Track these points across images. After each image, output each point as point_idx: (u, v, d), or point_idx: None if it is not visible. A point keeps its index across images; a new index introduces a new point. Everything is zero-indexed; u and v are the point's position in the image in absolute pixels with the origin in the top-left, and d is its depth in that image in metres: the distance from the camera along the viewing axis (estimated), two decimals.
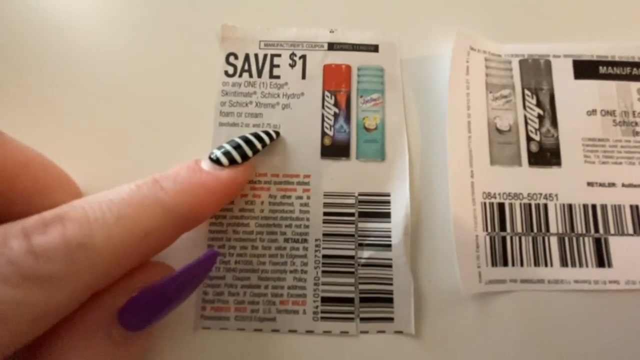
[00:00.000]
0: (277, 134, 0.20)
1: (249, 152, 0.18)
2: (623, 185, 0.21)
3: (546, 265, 0.19)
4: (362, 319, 0.19)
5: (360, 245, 0.19)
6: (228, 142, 0.18)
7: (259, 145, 0.19)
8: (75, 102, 0.21)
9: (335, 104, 0.21)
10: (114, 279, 0.14)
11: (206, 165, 0.17)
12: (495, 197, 0.20)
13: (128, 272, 0.15)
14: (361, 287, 0.19)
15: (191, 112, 0.21)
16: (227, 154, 0.17)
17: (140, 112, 0.21)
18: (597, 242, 0.20)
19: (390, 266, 0.19)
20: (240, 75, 0.21)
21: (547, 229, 0.20)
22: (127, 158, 0.20)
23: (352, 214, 0.20)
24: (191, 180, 0.16)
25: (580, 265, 0.20)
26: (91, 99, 0.21)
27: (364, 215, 0.20)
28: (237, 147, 0.18)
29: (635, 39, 0.23)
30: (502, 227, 0.20)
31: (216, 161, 0.17)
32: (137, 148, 0.21)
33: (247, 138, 0.18)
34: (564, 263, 0.20)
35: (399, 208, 0.20)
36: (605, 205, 0.20)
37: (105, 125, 0.21)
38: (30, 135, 0.20)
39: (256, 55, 0.22)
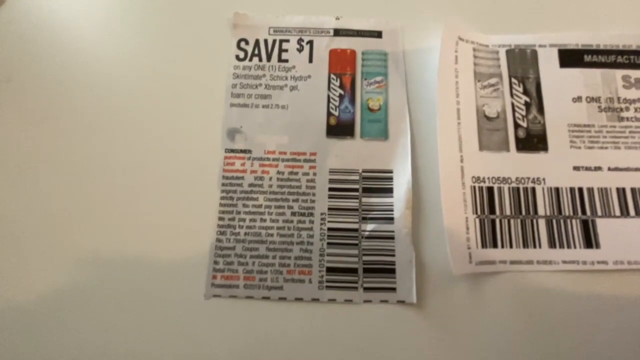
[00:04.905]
0: None
1: None
2: (609, 169, 0.21)
3: (535, 246, 0.20)
4: (366, 289, 0.19)
5: (364, 218, 0.20)
6: None
7: None
8: (93, 81, 0.23)
9: (341, 86, 0.22)
10: None
11: None
12: (484, 182, 0.21)
13: None
14: (365, 258, 0.20)
15: (203, 94, 0.22)
16: None
17: (156, 93, 0.22)
18: (585, 224, 0.20)
19: (392, 238, 0.20)
20: (251, 60, 0.23)
21: (535, 212, 0.20)
22: (141, 131, 0.22)
23: (356, 190, 0.21)
24: None
25: (569, 246, 0.20)
26: (109, 80, 0.23)
27: (367, 190, 0.21)
28: None
29: (619, 28, 0.23)
30: (492, 210, 0.20)
31: None
32: (152, 124, 0.22)
33: None
34: (552, 244, 0.20)
35: (401, 184, 0.21)
36: (592, 188, 0.21)
37: (120, 101, 0.22)
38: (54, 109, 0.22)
39: (266, 41, 0.23)
